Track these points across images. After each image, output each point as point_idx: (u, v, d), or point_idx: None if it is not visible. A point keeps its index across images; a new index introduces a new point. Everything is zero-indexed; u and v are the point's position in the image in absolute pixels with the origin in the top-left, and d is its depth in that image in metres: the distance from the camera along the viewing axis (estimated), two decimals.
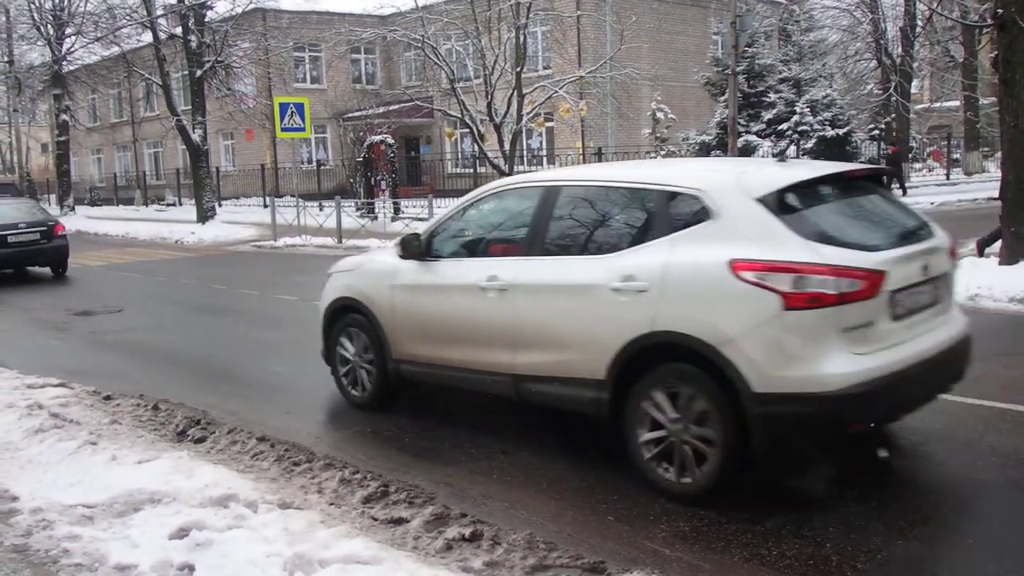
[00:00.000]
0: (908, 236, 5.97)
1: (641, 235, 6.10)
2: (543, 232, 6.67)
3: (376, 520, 5.47)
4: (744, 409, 5.37)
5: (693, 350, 5.56)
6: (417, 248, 7.46)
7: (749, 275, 5.37)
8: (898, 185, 32.47)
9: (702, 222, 5.73)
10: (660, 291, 5.73)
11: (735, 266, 5.42)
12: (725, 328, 5.42)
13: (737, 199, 5.69)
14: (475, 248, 7.40)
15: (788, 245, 5.38)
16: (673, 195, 6.00)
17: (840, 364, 5.25)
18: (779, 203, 5.57)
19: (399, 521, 5.43)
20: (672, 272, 5.71)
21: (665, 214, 5.99)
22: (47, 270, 20.72)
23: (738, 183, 5.85)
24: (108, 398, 8.50)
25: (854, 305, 5.28)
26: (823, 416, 5.33)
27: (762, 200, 5.58)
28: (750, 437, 5.39)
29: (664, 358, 5.77)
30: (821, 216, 5.78)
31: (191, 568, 4.79)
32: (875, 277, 5.34)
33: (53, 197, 50.58)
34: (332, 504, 5.72)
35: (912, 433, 6.76)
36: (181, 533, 5.14)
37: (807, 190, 5.87)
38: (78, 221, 38.32)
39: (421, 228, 7.76)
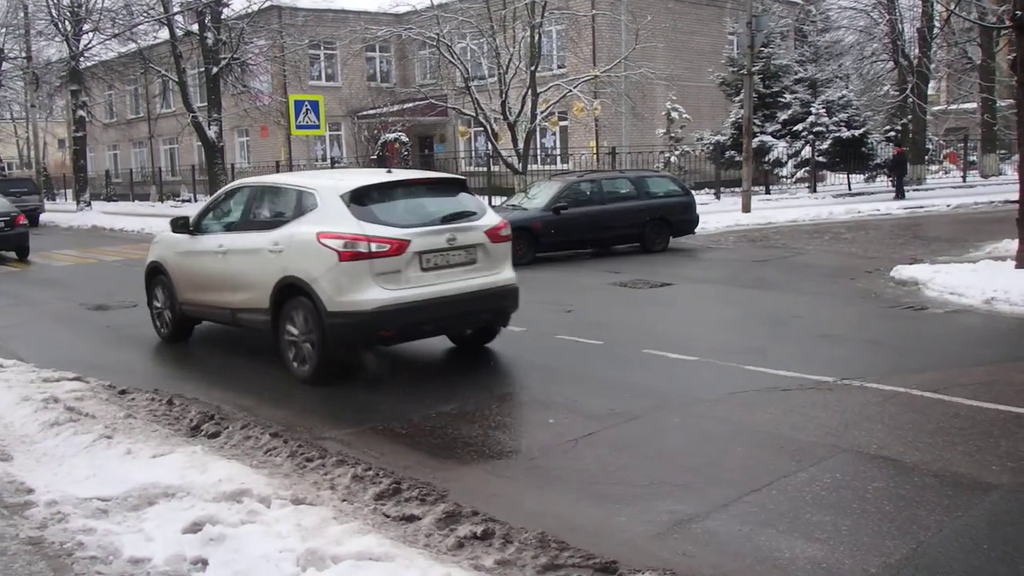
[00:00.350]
0: (447, 219, 9.21)
1: (286, 217, 9.52)
2: (247, 215, 10.23)
3: (388, 517, 5.48)
4: (323, 322, 8.64)
5: (301, 287, 8.89)
6: (185, 227, 10.91)
7: (325, 240, 8.68)
8: (896, 187, 32.36)
9: (313, 209, 9.12)
10: (288, 251, 9.11)
11: (319, 236, 8.75)
12: (313, 272, 8.78)
13: (331, 196, 9.02)
14: (217, 226, 10.68)
15: (347, 223, 8.70)
16: (303, 193, 9.42)
17: (373, 294, 8.58)
18: (352, 198, 8.89)
19: (411, 518, 5.44)
20: (294, 240, 9.09)
21: (299, 205, 9.38)
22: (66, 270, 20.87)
23: (334, 186, 9.17)
24: (123, 392, 8.54)
25: (384, 259, 8.61)
26: (362, 325, 8.66)
27: (342, 197, 8.91)
28: (327, 340, 8.72)
29: (292, 293, 9.04)
30: (378, 206, 8.98)
31: (204, 562, 4.81)
32: (400, 243, 8.66)
33: (70, 192, 50.78)
34: (344, 500, 5.74)
35: (933, 435, 6.76)
36: (195, 527, 5.15)
37: (372, 190, 9.10)
38: (94, 216, 38.48)
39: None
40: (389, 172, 10.01)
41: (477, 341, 10.32)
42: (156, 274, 11.60)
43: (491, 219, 9.58)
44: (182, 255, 10.97)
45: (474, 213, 9.52)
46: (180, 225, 10.95)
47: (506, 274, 9.61)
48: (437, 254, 8.92)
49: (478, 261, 9.28)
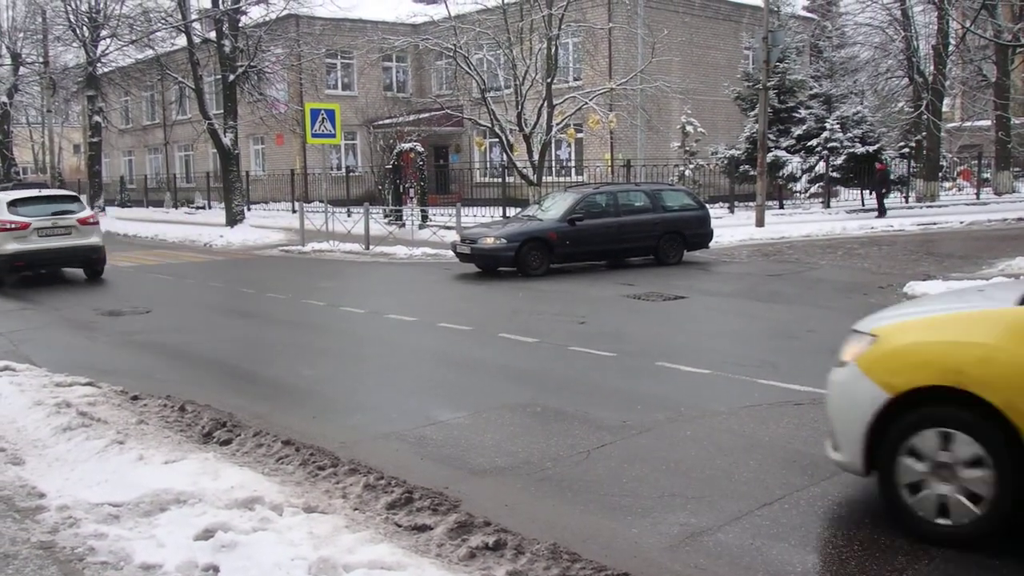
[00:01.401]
0: (55, 213, 18.61)
1: None
2: None
3: (400, 526, 5.47)
4: None
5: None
6: None
7: None
8: (876, 205, 32.08)
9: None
10: None
11: None
12: None
13: (2, 203, 18.44)
14: None
15: (5, 215, 18.06)
16: None
17: (12, 246, 18.03)
18: (9, 204, 18.42)
19: (423, 528, 5.43)
20: None
21: None
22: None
23: (5, 198, 18.66)
24: (136, 398, 8.55)
25: (17, 231, 18.19)
26: (8, 260, 18.03)
27: (7, 203, 18.38)
28: None
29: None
30: (22, 207, 18.47)
31: (216, 569, 4.81)
32: (25, 223, 18.34)
33: (84, 197, 50.91)
34: (356, 509, 5.73)
35: None
36: (206, 534, 5.16)
37: (22, 200, 18.66)
38: (109, 222, 38.54)
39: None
40: (40, 191, 20.65)
41: (93, 275, 19.25)
42: None
43: (83, 214, 19.11)
44: None
45: (74, 211, 18.86)
46: None
47: (92, 240, 18.88)
48: (47, 229, 18.20)
49: (72, 233, 18.55)
